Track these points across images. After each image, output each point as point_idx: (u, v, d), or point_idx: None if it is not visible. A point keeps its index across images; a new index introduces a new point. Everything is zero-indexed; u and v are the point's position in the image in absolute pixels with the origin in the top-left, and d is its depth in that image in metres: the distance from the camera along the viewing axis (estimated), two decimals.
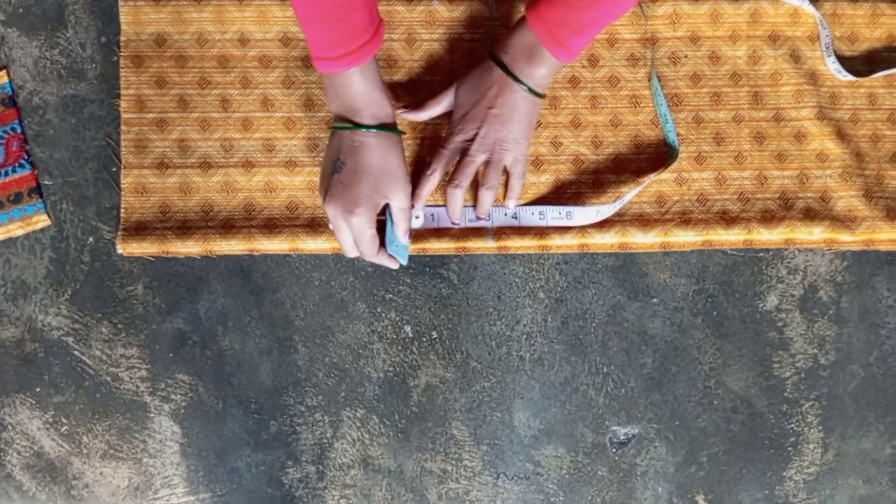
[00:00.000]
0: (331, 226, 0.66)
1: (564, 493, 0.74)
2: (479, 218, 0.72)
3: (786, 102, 0.75)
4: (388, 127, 0.65)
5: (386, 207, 0.67)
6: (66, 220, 0.73)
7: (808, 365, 0.75)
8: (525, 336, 0.74)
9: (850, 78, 0.75)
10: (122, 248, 0.71)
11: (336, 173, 0.65)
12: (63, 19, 0.74)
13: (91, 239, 0.73)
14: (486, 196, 0.70)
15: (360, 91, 0.64)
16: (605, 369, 0.75)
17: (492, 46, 0.70)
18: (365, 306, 0.74)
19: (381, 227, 0.67)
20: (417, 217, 0.72)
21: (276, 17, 0.73)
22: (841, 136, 0.75)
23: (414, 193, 0.70)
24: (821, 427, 0.75)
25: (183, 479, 0.73)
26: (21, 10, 0.74)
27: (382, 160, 0.65)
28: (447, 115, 0.71)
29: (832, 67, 0.75)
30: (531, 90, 0.67)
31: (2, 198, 0.72)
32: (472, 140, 0.68)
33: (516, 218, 0.72)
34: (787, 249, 0.75)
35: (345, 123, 0.65)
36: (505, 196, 0.71)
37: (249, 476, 0.73)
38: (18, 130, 0.73)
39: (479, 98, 0.68)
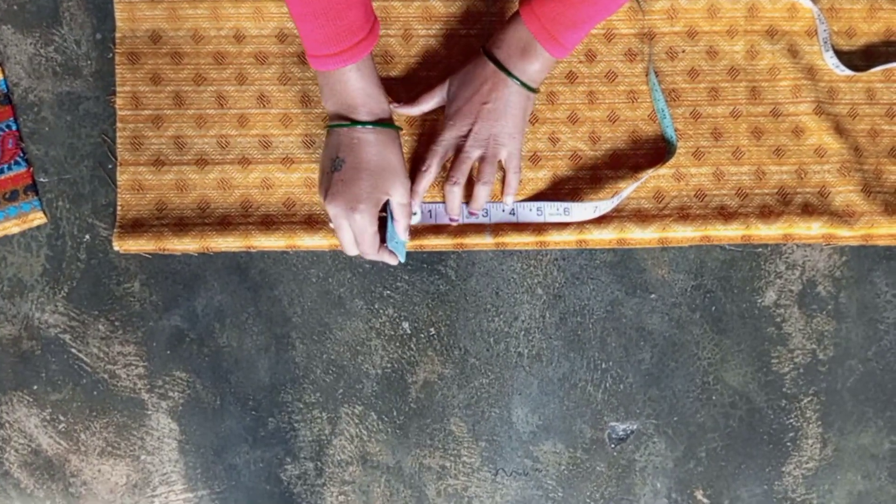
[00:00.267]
0: (332, 224, 0.66)
1: (563, 488, 0.74)
2: (471, 213, 0.72)
3: (784, 97, 0.75)
4: (386, 123, 0.65)
5: (386, 204, 0.67)
6: (62, 218, 0.73)
7: (807, 360, 0.75)
8: (523, 332, 0.74)
9: (849, 73, 0.75)
10: (118, 246, 0.71)
11: (336, 171, 0.64)
12: (58, 16, 0.74)
13: (87, 236, 0.73)
14: (482, 191, 0.69)
15: (357, 88, 0.64)
16: (603, 365, 0.75)
17: (486, 41, 0.69)
18: (363, 303, 0.74)
19: (381, 223, 0.67)
20: (415, 213, 0.72)
21: (271, 14, 0.73)
22: (839, 130, 0.75)
23: (410, 190, 0.70)
24: (819, 422, 0.75)
25: (181, 476, 0.73)
26: (16, 7, 0.74)
27: (382, 156, 0.65)
28: (442, 110, 0.71)
29: (830, 62, 0.75)
30: (524, 84, 0.67)
31: None
32: (466, 136, 0.68)
33: (514, 214, 0.72)
34: (785, 245, 0.75)
35: (341, 121, 0.65)
36: (502, 192, 0.71)
37: (248, 473, 0.73)
38: (14, 128, 0.73)
39: (473, 93, 0.67)
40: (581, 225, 0.72)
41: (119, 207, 0.72)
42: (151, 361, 0.73)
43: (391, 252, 0.69)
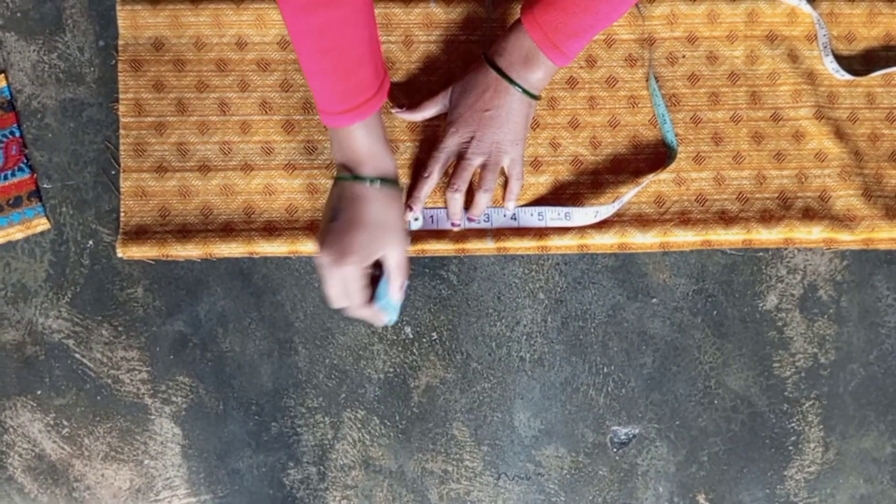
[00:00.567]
0: (320, 274, 0.65)
1: (565, 493, 0.74)
2: (470, 220, 0.72)
3: (784, 102, 0.75)
4: (389, 181, 0.65)
5: (380, 264, 0.66)
6: (65, 224, 0.73)
7: (809, 364, 0.75)
8: (525, 336, 0.74)
9: (848, 77, 0.75)
10: (121, 252, 0.72)
11: (333, 221, 0.64)
12: (61, 23, 0.74)
13: (91, 242, 0.73)
14: (482, 198, 0.70)
15: (363, 145, 0.64)
16: (605, 369, 0.75)
17: (487, 48, 0.70)
18: None
19: (374, 282, 0.66)
20: (417, 219, 0.72)
21: (273, 21, 0.73)
22: (839, 135, 0.75)
23: (412, 196, 0.70)
24: (821, 426, 0.75)
25: (184, 481, 0.73)
26: (19, 15, 0.74)
27: (380, 213, 0.64)
28: (443, 117, 0.71)
29: (830, 67, 0.75)
30: (526, 92, 0.67)
31: (1, 201, 0.73)
32: (468, 143, 0.68)
33: (515, 219, 0.73)
34: (786, 249, 0.75)
35: (346, 174, 0.65)
36: (504, 197, 0.72)
37: (250, 477, 0.73)
38: (17, 134, 0.73)
39: (475, 100, 0.68)
40: (582, 229, 0.72)
41: (122, 213, 0.72)
42: (155, 366, 0.73)
43: (378, 311, 0.67)
